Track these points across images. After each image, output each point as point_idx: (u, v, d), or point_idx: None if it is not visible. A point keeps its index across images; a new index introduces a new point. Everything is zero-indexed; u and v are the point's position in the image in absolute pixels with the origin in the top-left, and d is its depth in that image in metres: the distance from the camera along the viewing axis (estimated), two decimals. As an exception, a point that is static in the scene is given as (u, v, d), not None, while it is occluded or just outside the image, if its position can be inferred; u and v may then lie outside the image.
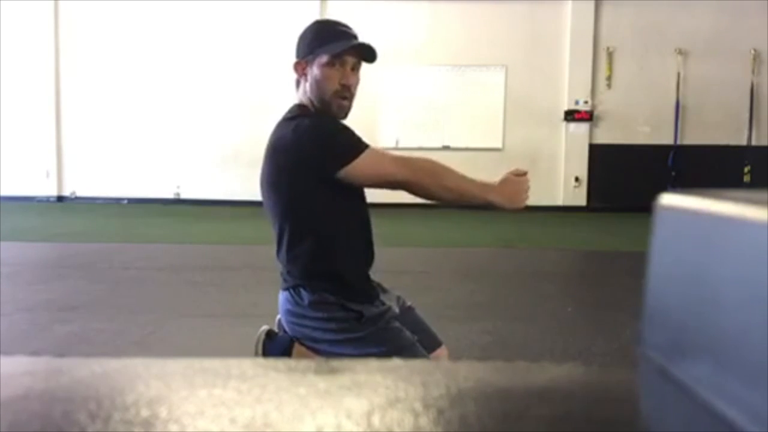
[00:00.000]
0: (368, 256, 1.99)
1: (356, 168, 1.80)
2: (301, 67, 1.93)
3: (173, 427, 0.33)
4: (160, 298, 4.72)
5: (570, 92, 10.84)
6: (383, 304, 1.92)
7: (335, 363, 0.42)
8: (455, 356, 2.48)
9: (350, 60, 1.88)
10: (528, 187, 1.91)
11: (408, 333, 1.90)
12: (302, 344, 1.88)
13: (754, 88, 10.66)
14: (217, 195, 11.15)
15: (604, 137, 10.94)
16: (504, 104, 10.95)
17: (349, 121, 2.00)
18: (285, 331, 1.93)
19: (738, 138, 10.70)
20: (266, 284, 3.73)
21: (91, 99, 11.44)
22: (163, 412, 0.34)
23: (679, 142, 10.81)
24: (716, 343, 0.32)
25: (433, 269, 5.91)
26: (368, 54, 1.90)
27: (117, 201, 11.40)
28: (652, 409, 0.37)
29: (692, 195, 0.36)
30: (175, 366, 0.42)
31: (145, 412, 0.34)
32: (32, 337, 3.74)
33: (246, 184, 10.36)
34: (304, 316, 1.86)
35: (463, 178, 1.86)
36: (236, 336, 3.59)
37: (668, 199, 0.37)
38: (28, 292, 4.77)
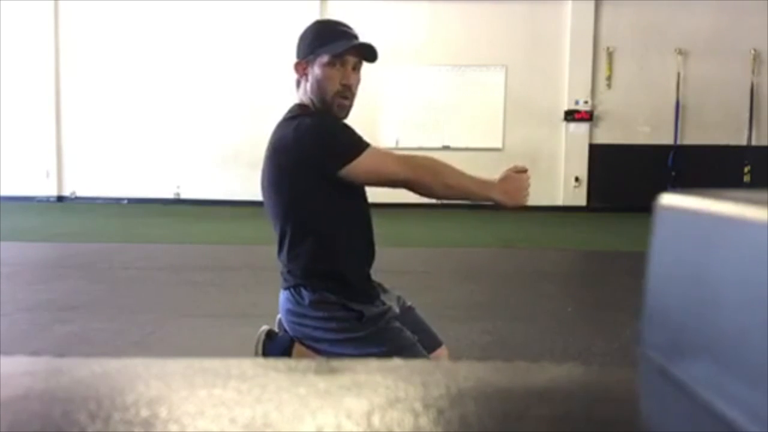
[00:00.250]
0: (369, 256, 1.99)
1: (357, 167, 1.80)
2: (301, 67, 1.93)
3: (173, 427, 0.33)
4: (160, 298, 4.72)
5: (570, 92, 10.84)
6: (384, 304, 1.92)
7: (335, 363, 0.42)
8: (455, 356, 2.48)
9: (351, 60, 1.88)
10: (528, 185, 1.92)
11: (408, 333, 1.90)
12: (302, 344, 1.88)
13: (754, 88, 10.66)
14: (217, 195, 11.15)
15: (604, 137, 10.94)
16: (504, 104, 10.95)
17: (349, 121, 2.00)
18: (285, 331, 1.93)
19: (738, 138, 10.70)
20: (266, 284, 3.73)
21: (91, 99, 11.44)
22: (163, 412, 0.34)
23: (679, 142, 10.81)
24: (716, 343, 0.32)
25: (433, 269, 5.91)
26: (369, 54, 1.90)
27: (117, 201, 11.40)
28: (652, 409, 0.37)
29: (692, 195, 0.36)
30: (175, 366, 0.42)
31: (145, 412, 0.34)
32: (32, 337, 3.74)
33: (246, 184, 10.37)
34: (305, 316, 1.86)
35: (464, 175, 1.87)
36: (236, 336, 3.59)
37: (668, 199, 0.37)
38: (28, 292, 4.77)
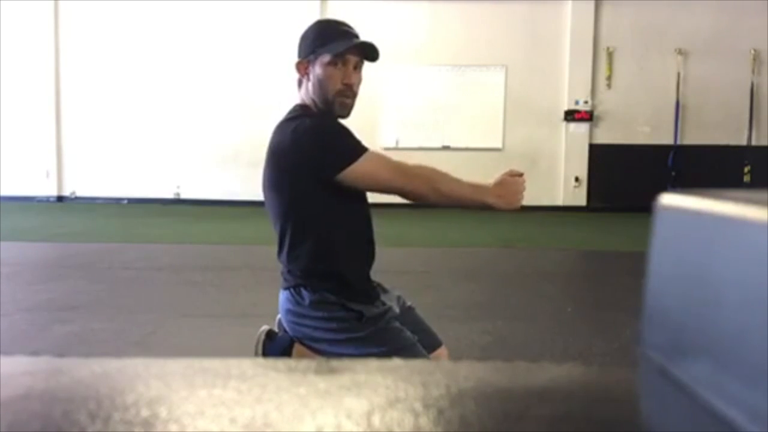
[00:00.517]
0: (369, 256, 1.99)
1: (353, 172, 1.80)
2: (303, 67, 1.93)
3: (173, 427, 0.33)
4: (160, 298, 4.72)
5: (570, 92, 10.84)
6: (384, 304, 1.92)
7: (335, 363, 0.42)
8: (455, 356, 2.48)
9: (352, 59, 1.88)
10: (524, 188, 1.91)
11: (408, 333, 1.90)
12: (302, 344, 1.88)
13: (754, 88, 10.66)
14: (217, 195, 11.16)
15: (604, 137, 10.94)
16: (504, 104, 10.95)
17: (350, 121, 2.00)
18: (285, 331, 1.93)
19: (738, 138, 10.70)
20: (266, 284, 3.74)
21: (91, 99, 11.44)
22: (163, 412, 0.34)
23: (679, 142, 10.81)
24: (716, 343, 0.32)
25: (433, 269, 5.91)
26: (370, 53, 1.90)
27: (117, 201, 11.40)
28: (652, 409, 0.37)
29: (692, 195, 0.36)
30: (175, 366, 0.42)
31: (145, 412, 0.34)
32: (32, 337, 3.74)
33: (246, 184, 10.38)
34: (305, 316, 1.86)
35: (459, 182, 1.87)
36: (236, 336, 3.59)
37: (668, 199, 0.37)
38: (28, 292, 4.77)
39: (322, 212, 1.86)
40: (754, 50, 10.58)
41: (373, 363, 0.42)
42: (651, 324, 0.38)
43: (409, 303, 2.11)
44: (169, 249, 6.84)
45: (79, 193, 11.62)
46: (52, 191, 11.62)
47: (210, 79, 11.18)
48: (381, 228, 1.98)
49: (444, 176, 1.87)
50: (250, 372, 0.40)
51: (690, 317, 0.34)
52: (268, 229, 1.98)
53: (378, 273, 2.02)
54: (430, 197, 1.87)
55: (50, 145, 11.55)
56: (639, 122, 10.91)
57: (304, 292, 1.87)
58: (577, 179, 10.92)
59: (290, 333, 1.91)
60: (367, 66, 1.95)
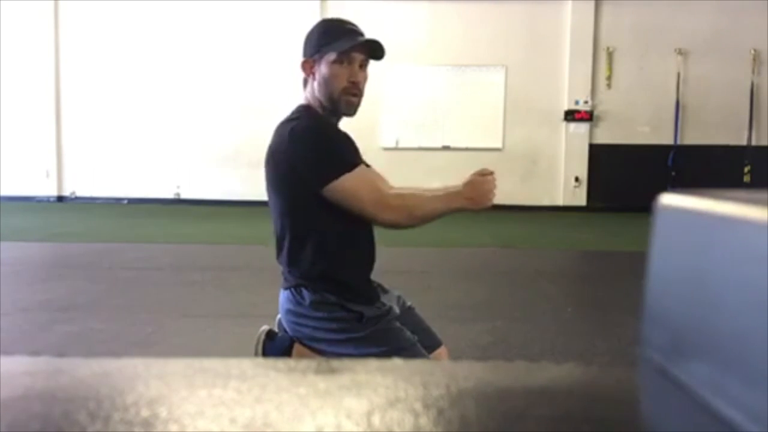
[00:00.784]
0: (370, 258, 1.99)
1: (336, 188, 1.79)
2: (308, 66, 1.92)
3: (173, 427, 0.33)
4: (160, 298, 4.72)
5: (570, 92, 10.84)
6: (384, 305, 1.92)
7: (335, 363, 0.42)
8: (455, 356, 2.48)
9: (358, 57, 1.88)
10: (494, 186, 1.90)
11: (408, 333, 1.90)
12: (302, 344, 1.88)
13: (754, 88, 10.66)
14: (217, 195, 11.16)
15: (604, 137, 10.94)
16: (504, 104, 10.95)
17: (349, 121, 2.00)
18: (285, 331, 1.93)
19: (738, 138, 10.70)
20: (266, 284, 3.74)
21: (91, 99, 11.44)
22: (163, 412, 0.34)
23: (679, 142, 10.81)
24: (716, 343, 0.32)
25: (433, 269, 5.91)
26: (376, 51, 1.90)
27: (117, 201, 11.40)
28: (652, 409, 0.37)
29: (692, 195, 0.36)
30: (175, 366, 0.42)
31: (145, 412, 0.34)
32: (32, 337, 3.74)
33: (246, 184, 10.39)
34: (305, 316, 1.86)
35: (432, 199, 1.85)
36: (236, 336, 3.59)
37: (668, 199, 0.37)
38: (28, 292, 4.78)
39: (321, 213, 1.86)
40: (754, 50, 10.58)
41: (373, 363, 0.42)
42: (651, 324, 0.38)
43: (408, 303, 2.11)
44: (169, 249, 6.84)
45: (79, 193, 11.63)
46: (52, 191, 11.62)
47: (210, 79, 11.19)
48: (381, 228, 1.98)
49: (418, 199, 1.85)
50: (250, 372, 0.40)
51: (690, 317, 0.34)
52: (268, 229, 1.98)
53: (378, 273, 2.02)
54: (404, 225, 1.86)
55: (50, 145, 11.55)
56: (639, 122, 10.91)
57: (304, 293, 1.87)
58: (577, 179, 10.92)
59: (290, 333, 1.91)
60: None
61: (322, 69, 1.88)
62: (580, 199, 10.93)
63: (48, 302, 4.47)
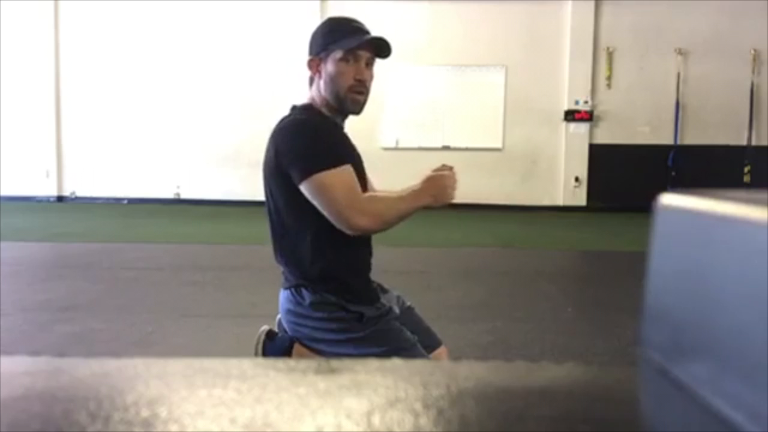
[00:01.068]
0: (368, 258, 1.99)
1: (312, 182, 1.77)
2: (315, 64, 1.91)
3: (173, 427, 0.33)
4: (160, 298, 4.72)
5: (570, 92, 10.84)
6: (384, 305, 1.92)
7: (335, 363, 0.42)
8: (455, 356, 2.48)
9: (364, 55, 1.88)
10: (454, 181, 1.89)
11: (408, 333, 1.90)
12: (302, 344, 1.88)
13: (754, 88, 10.66)
14: (217, 195, 11.16)
15: (604, 137, 10.94)
16: (504, 104, 10.95)
17: (350, 121, 2.00)
18: (285, 331, 1.93)
19: (738, 138, 10.70)
20: (266, 284, 3.74)
21: (91, 99, 11.44)
22: (163, 412, 0.34)
23: (679, 142, 10.81)
24: (716, 342, 0.32)
25: (433, 269, 5.91)
26: (382, 49, 1.90)
27: (117, 201, 11.40)
28: (652, 409, 0.37)
29: (692, 195, 0.36)
30: (175, 366, 0.42)
31: (145, 412, 0.34)
32: (32, 337, 3.74)
33: (246, 184, 10.38)
34: (305, 316, 1.86)
35: (398, 200, 1.84)
36: (236, 336, 3.59)
37: (668, 199, 0.37)
38: (28, 292, 4.78)
39: (315, 210, 1.84)
40: (754, 50, 10.58)
41: (373, 363, 0.42)
42: (651, 324, 0.38)
43: (408, 303, 2.11)
44: (169, 249, 6.84)
45: (79, 193, 11.63)
46: (52, 191, 11.62)
47: (210, 79, 11.19)
48: (350, 232, 1.98)
49: (388, 202, 1.84)
50: (250, 372, 0.40)
51: (690, 317, 0.34)
52: (267, 229, 1.98)
53: (378, 273, 2.02)
54: (374, 230, 1.84)
55: (50, 145, 11.55)
56: (639, 122, 10.91)
57: (304, 293, 1.86)
58: (577, 179, 10.92)
59: (290, 333, 1.91)
60: (368, 66, 1.94)
61: (329, 67, 1.87)
62: (580, 199, 10.93)
63: (48, 302, 4.47)
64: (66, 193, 11.70)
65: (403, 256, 6.21)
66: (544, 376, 0.41)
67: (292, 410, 0.35)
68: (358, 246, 1.95)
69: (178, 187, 11.42)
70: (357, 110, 1.91)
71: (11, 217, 9.14)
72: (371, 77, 1.92)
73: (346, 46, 1.85)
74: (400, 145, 10.87)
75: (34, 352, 3.27)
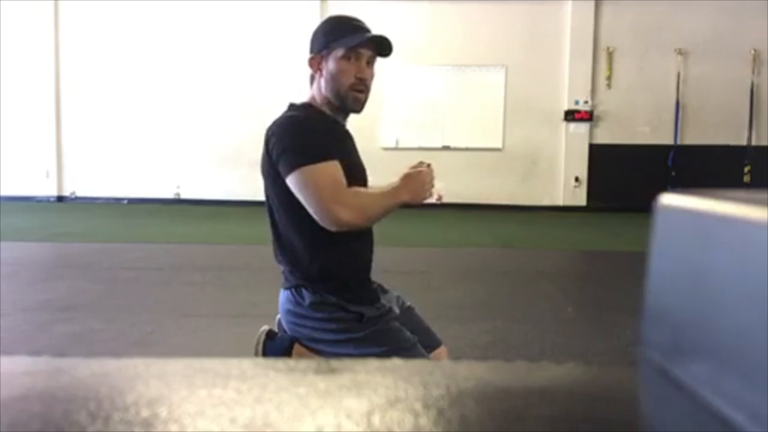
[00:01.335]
0: (369, 258, 1.99)
1: (297, 176, 1.76)
2: (316, 62, 1.91)
3: (173, 427, 0.33)
4: (160, 298, 4.72)
5: (570, 92, 10.84)
6: (383, 306, 1.92)
7: (335, 363, 0.42)
8: (455, 356, 2.48)
9: (365, 53, 1.88)
10: (431, 178, 1.89)
11: (408, 333, 1.90)
12: (302, 344, 1.88)
13: (754, 88, 10.66)
14: (217, 195, 11.16)
15: (604, 137, 10.94)
16: (504, 104, 10.95)
17: (350, 121, 2.00)
18: (285, 331, 1.93)
19: (738, 138, 10.70)
20: (266, 284, 3.74)
21: (91, 99, 11.44)
22: (163, 412, 0.34)
23: (679, 142, 10.81)
24: (716, 342, 0.32)
25: (433, 269, 5.91)
26: (383, 48, 1.90)
27: (117, 201, 11.40)
28: (652, 409, 0.37)
29: (692, 195, 0.36)
30: (175, 366, 0.42)
31: (145, 412, 0.34)
32: (32, 337, 3.74)
33: (246, 184, 10.38)
34: (305, 317, 1.86)
35: (379, 197, 1.83)
36: (236, 336, 3.59)
37: (668, 199, 0.37)
38: (28, 292, 4.78)
39: None
40: (754, 50, 10.58)
41: (373, 363, 0.42)
42: (651, 324, 0.38)
43: (408, 303, 2.11)
44: (169, 249, 6.84)
45: (79, 193, 11.63)
46: (52, 191, 11.63)
47: (210, 79, 11.19)
48: (381, 228, 1.98)
49: (370, 197, 1.83)
50: (250, 372, 0.40)
51: (690, 317, 0.34)
52: (267, 229, 1.98)
53: (378, 273, 2.02)
54: (357, 225, 1.81)
55: (50, 145, 11.55)
56: (639, 122, 10.91)
57: (304, 293, 1.86)
58: (577, 179, 10.92)
59: (289, 333, 1.90)
60: (368, 65, 1.94)
61: (330, 65, 1.87)
62: (580, 199, 10.93)
63: (48, 302, 4.47)
64: (66, 193, 11.70)
65: (403, 256, 6.21)
66: (544, 376, 0.41)
67: (292, 410, 0.35)
68: (358, 245, 1.95)
69: (178, 187, 11.42)
70: (358, 108, 1.92)
71: (11, 217, 9.14)
72: (372, 76, 1.92)
73: (347, 44, 1.85)
74: (400, 145, 10.87)
75: (34, 352, 3.27)
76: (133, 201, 11.32)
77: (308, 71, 1.94)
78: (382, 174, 1.90)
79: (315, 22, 1.99)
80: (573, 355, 3.50)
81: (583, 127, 10.89)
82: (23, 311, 4.24)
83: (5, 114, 11.57)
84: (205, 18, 11.10)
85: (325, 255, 1.87)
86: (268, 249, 2.00)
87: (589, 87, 10.83)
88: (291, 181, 1.78)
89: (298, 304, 1.87)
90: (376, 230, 2.01)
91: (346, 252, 1.90)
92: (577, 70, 10.80)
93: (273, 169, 1.82)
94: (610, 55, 10.84)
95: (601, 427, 0.35)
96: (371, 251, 2.00)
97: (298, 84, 2.04)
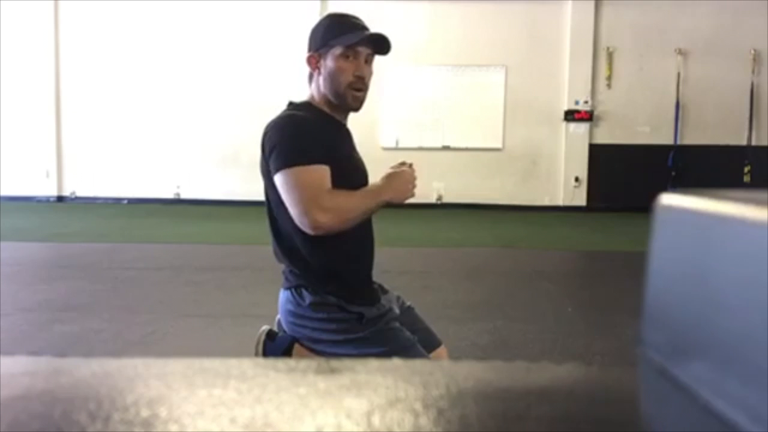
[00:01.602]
0: (369, 258, 1.99)
1: (281, 176, 1.76)
2: (314, 60, 1.91)
3: (173, 427, 0.33)
4: (160, 298, 4.72)
5: (570, 92, 10.84)
6: (383, 306, 1.92)
7: (335, 363, 0.42)
8: (455, 356, 2.48)
9: (364, 52, 1.87)
10: (413, 177, 1.89)
11: (408, 333, 1.90)
12: (302, 345, 1.88)
13: (754, 88, 10.66)
14: (217, 195, 11.16)
15: (604, 137, 10.94)
16: (504, 104, 10.95)
17: (350, 121, 2.00)
18: (284, 332, 1.92)
19: (738, 138, 10.70)
20: (266, 284, 3.74)
21: (91, 99, 11.44)
22: (163, 412, 0.34)
23: (679, 142, 10.81)
24: (716, 343, 0.32)
25: (433, 269, 5.91)
26: (382, 46, 1.90)
27: (117, 201, 11.40)
28: (652, 409, 0.37)
29: (692, 195, 0.36)
30: (175, 366, 0.42)
31: (145, 412, 0.34)
32: (32, 337, 3.74)
33: (246, 184, 10.38)
34: (305, 317, 1.86)
35: (360, 197, 1.82)
36: (236, 336, 3.59)
37: (668, 199, 0.37)
38: (28, 292, 4.78)
39: None
40: (754, 50, 10.58)
41: (373, 363, 0.42)
42: (651, 324, 0.38)
43: (408, 303, 2.11)
44: (169, 249, 6.84)
45: (79, 193, 11.63)
46: (52, 191, 11.62)
47: (210, 79, 11.19)
48: (381, 228, 1.98)
49: (348, 199, 1.81)
50: (250, 372, 0.40)
51: (690, 317, 0.34)
52: (267, 229, 1.97)
53: (378, 273, 2.02)
54: (334, 228, 1.79)
55: (50, 145, 11.55)
56: (639, 122, 10.91)
57: (305, 293, 1.86)
58: (577, 179, 10.92)
59: (289, 333, 1.90)
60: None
61: (328, 63, 1.87)
62: (580, 199, 10.93)
63: (48, 302, 4.47)
64: (66, 193, 11.70)
65: (403, 256, 6.21)
66: (544, 376, 0.41)
67: (292, 410, 0.35)
68: (358, 245, 1.95)
69: (178, 187, 11.42)
70: (357, 107, 1.91)
71: (11, 217, 9.14)
72: (370, 74, 1.91)
73: (345, 42, 1.84)
74: (400, 145, 10.87)
75: (34, 352, 3.28)
76: (133, 201, 11.32)
77: (308, 70, 1.94)
78: (382, 174, 1.89)
79: (315, 22, 1.99)
80: (573, 355, 3.50)
81: (583, 127, 10.89)
82: (23, 311, 4.24)
83: (5, 114, 11.57)
84: (205, 18, 11.10)
85: (326, 255, 1.87)
86: (268, 249, 2.00)
87: (589, 87, 10.83)
88: (276, 180, 1.79)
89: (298, 304, 1.87)
90: (376, 231, 2.01)
91: (346, 252, 1.90)
92: (577, 70, 10.80)
93: (269, 167, 1.83)
94: (610, 55, 10.83)
95: (601, 427, 0.35)
96: (372, 252, 2.00)
97: (298, 84, 2.03)
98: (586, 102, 10.83)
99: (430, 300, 4.28)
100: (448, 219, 9.23)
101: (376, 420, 0.34)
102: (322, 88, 1.90)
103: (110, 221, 9.14)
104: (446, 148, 10.92)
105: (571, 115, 10.83)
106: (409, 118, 11.02)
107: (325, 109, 1.91)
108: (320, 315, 1.85)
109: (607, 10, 10.78)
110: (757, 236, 0.29)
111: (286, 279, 1.92)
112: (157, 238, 7.53)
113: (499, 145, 11.01)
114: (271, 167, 1.79)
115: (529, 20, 10.81)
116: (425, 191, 10.44)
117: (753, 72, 10.66)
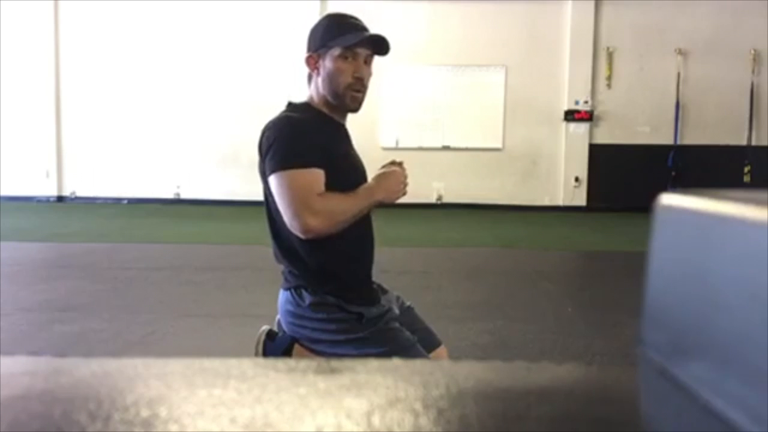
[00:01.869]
0: (369, 258, 1.98)
1: (273, 179, 1.77)
2: (313, 61, 1.90)
3: (173, 427, 0.33)
4: (160, 298, 4.72)
5: (570, 92, 10.85)
6: (383, 306, 1.91)
7: (335, 363, 0.42)
8: (455, 356, 2.48)
9: (363, 53, 1.87)
10: (404, 176, 1.89)
11: (408, 333, 1.90)
12: (302, 345, 1.88)
13: (754, 88, 10.66)
14: (217, 195, 11.16)
15: (604, 137, 10.94)
16: (504, 104, 10.95)
17: (350, 121, 2.00)
18: (284, 332, 1.92)
19: (738, 138, 10.71)
20: (266, 284, 3.74)
21: (91, 99, 11.44)
22: (163, 412, 0.34)
23: (679, 142, 10.81)
24: (716, 343, 0.32)
25: (433, 269, 5.91)
26: (381, 47, 1.89)
27: (117, 201, 11.40)
28: (652, 409, 0.37)
29: (692, 195, 0.36)
30: (175, 366, 0.42)
31: (145, 412, 0.34)
32: (32, 337, 3.74)
33: (246, 184, 10.38)
34: (305, 317, 1.86)
35: (351, 199, 1.82)
36: (236, 336, 3.59)
37: (668, 199, 0.37)
38: (28, 292, 4.77)
39: None
40: (754, 50, 10.58)
41: (373, 363, 0.42)
42: (651, 324, 0.38)
43: (408, 303, 2.11)
44: (169, 249, 6.84)
45: (79, 193, 11.63)
46: (52, 191, 11.62)
47: (210, 79, 11.19)
48: (381, 228, 1.98)
49: (339, 201, 1.80)
50: (250, 372, 0.40)
51: (690, 317, 0.34)
52: (267, 229, 1.97)
53: (378, 273, 2.02)
54: (325, 231, 1.78)
55: (50, 145, 11.55)
56: (639, 122, 10.91)
57: (304, 294, 1.86)
58: (577, 179, 10.92)
59: (289, 334, 1.90)
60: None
61: (327, 64, 1.87)
62: (580, 199, 10.93)
63: (48, 302, 4.47)
64: (66, 193, 11.70)
65: (403, 256, 6.21)
66: (544, 376, 0.41)
67: (292, 410, 0.35)
68: (358, 246, 1.94)
69: (178, 187, 11.42)
70: (355, 108, 1.91)
71: (11, 217, 9.14)
72: (369, 75, 1.91)
73: (344, 43, 1.84)
74: (400, 145, 10.87)
75: (34, 352, 3.27)
76: (133, 201, 11.32)
77: (307, 71, 1.94)
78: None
79: (314, 22, 1.99)
80: (573, 355, 3.50)
81: (583, 127, 10.89)
82: (23, 311, 4.24)
83: (5, 114, 11.57)
84: (205, 18, 11.10)
85: (324, 256, 1.86)
86: (268, 249, 2.00)
87: (589, 87, 10.84)
88: (270, 182, 1.79)
89: (298, 305, 1.87)
90: (376, 231, 2.01)
91: (345, 252, 1.90)
92: (577, 70, 10.80)
93: (265, 169, 1.83)
94: (610, 55, 10.83)
95: (601, 427, 0.35)
96: (372, 252, 2.00)
97: (297, 84, 2.03)
98: (586, 102, 10.83)
99: (430, 300, 4.28)
100: (448, 219, 9.23)
101: (376, 420, 0.34)
102: (320, 88, 1.89)
103: (110, 221, 9.14)
104: (446, 148, 10.92)
105: (571, 115, 10.83)
106: (409, 118, 11.02)
107: (324, 109, 1.91)
108: (320, 315, 1.84)
109: (607, 10, 10.78)
110: (757, 236, 0.29)
111: (286, 279, 1.92)
112: (157, 238, 7.54)
113: (499, 145, 11.01)
114: (266, 169, 1.80)
115: (529, 20, 10.82)
116: (425, 191, 10.44)
117: (753, 72, 10.66)
